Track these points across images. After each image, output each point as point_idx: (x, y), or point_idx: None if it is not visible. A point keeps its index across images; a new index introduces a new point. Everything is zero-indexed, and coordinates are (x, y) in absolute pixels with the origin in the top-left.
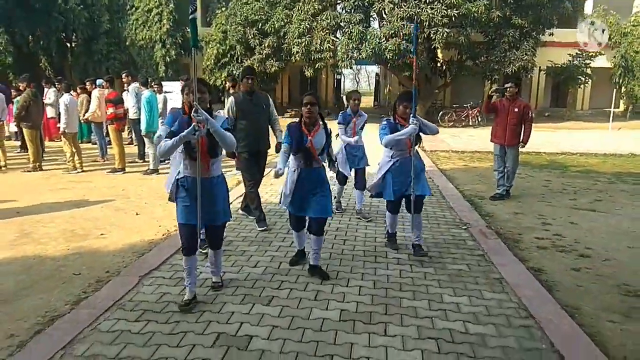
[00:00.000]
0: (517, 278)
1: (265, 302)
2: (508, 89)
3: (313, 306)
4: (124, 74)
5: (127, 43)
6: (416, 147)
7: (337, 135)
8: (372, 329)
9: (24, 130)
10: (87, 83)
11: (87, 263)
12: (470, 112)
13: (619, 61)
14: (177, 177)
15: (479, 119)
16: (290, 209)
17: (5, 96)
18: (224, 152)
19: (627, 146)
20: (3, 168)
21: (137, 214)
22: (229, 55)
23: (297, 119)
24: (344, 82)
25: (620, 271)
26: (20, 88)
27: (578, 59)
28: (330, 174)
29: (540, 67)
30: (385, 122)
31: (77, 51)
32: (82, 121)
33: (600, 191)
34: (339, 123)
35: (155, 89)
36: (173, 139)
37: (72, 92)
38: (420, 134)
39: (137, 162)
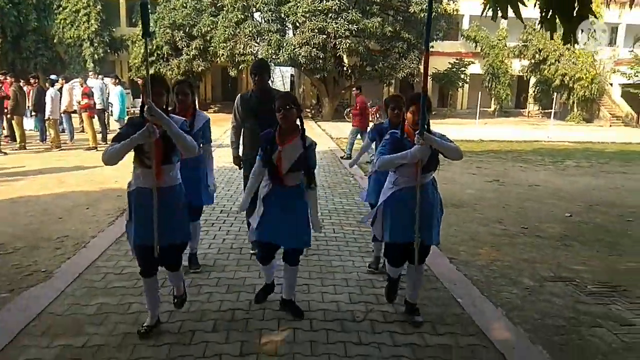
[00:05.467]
0: None
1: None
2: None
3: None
4: (91, 73)
5: (54, 41)
6: (431, 175)
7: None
8: None
9: (16, 118)
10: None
11: (121, 192)
12: (371, 110)
13: (488, 68)
14: (129, 190)
15: (378, 116)
16: (256, 235)
17: None
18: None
19: (481, 135)
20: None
21: None
22: (155, 55)
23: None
24: None
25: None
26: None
27: (456, 66)
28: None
29: None
30: (388, 137)
31: (5, 48)
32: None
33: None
34: (371, 140)
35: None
36: (122, 142)
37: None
38: (439, 156)
39: (101, 144)
